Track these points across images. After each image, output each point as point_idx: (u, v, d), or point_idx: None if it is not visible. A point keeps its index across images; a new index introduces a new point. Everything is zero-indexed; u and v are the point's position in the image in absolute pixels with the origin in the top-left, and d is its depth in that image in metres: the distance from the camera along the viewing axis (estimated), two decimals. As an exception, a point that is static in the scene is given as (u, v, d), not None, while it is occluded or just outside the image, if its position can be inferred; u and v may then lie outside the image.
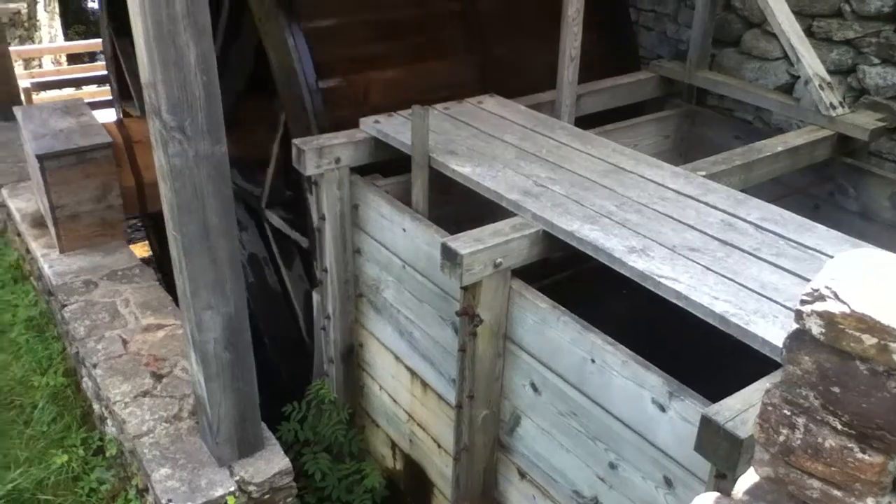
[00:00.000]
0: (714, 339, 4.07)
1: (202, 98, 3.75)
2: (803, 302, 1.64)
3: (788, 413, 1.77)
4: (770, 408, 1.81)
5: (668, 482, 3.33)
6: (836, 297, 1.59)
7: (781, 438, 1.79)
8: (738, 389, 2.90)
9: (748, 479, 1.99)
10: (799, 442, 1.76)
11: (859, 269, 1.65)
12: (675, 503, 3.32)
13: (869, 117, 5.17)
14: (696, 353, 3.67)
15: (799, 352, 1.72)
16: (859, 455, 1.65)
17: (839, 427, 1.67)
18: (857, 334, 1.57)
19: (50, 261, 6.48)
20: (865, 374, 1.61)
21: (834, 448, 1.69)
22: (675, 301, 3.30)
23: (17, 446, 5.40)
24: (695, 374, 3.32)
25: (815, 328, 1.64)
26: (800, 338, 1.71)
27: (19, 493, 4.97)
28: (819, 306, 1.61)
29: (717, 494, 1.90)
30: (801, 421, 1.75)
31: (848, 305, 1.56)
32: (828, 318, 1.60)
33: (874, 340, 1.55)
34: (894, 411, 1.55)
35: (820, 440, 1.71)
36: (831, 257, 3.55)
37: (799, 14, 5.50)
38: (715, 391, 3.05)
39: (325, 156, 4.77)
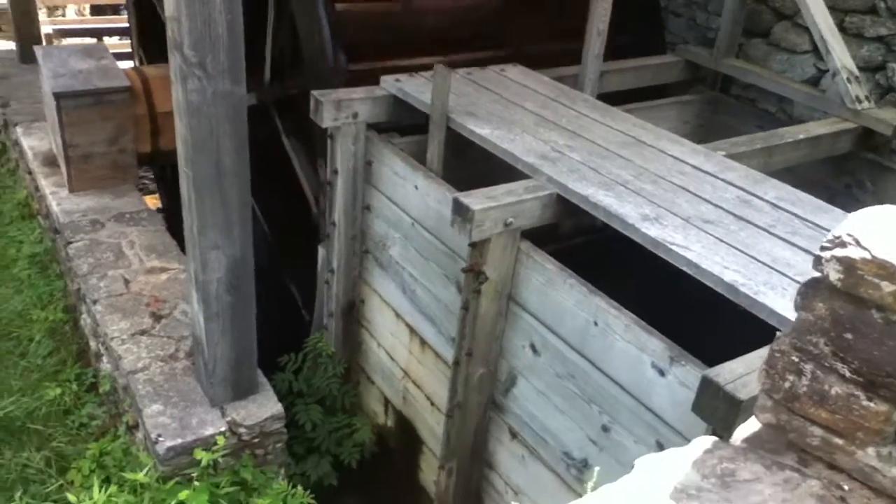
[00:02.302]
0: (716, 321, 4.06)
1: (225, 36, 3.71)
2: (823, 248, 1.61)
3: (796, 360, 1.74)
4: (778, 354, 1.78)
5: (661, 446, 3.31)
6: (858, 243, 1.57)
7: (787, 385, 1.76)
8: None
9: (747, 427, 1.96)
10: (805, 389, 1.73)
11: (881, 221, 1.63)
12: (667, 471, 3.29)
13: (895, 114, 5.10)
14: (696, 335, 3.62)
15: (814, 298, 1.69)
16: (865, 403, 1.63)
17: (847, 374, 1.64)
18: (877, 281, 1.54)
19: (59, 199, 6.46)
20: (880, 322, 1.58)
21: (840, 395, 1.66)
22: (685, 268, 3.26)
23: (12, 376, 5.40)
24: (695, 352, 3.28)
25: (833, 274, 1.61)
26: (816, 285, 1.68)
27: (10, 420, 4.98)
28: (839, 252, 1.59)
29: (715, 438, 1.87)
30: (808, 368, 1.72)
31: (869, 252, 1.54)
32: (847, 264, 1.57)
33: (892, 288, 1.53)
34: (905, 360, 1.52)
35: (826, 387, 1.68)
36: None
37: (832, 8, 5.43)
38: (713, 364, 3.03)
39: (342, 109, 4.73)
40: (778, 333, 1.81)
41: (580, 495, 3.82)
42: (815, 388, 1.70)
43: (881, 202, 5.10)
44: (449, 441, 4.43)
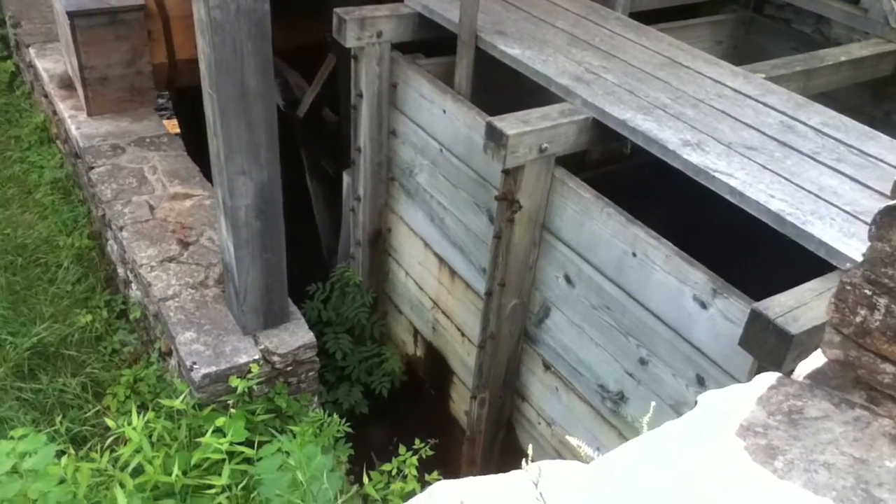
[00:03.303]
0: (755, 251, 3.98)
1: (247, -51, 3.57)
2: (904, 175, 1.52)
3: (869, 293, 1.67)
4: (849, 287, 1.70)
5: (700, 380, 3.29)
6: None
7: (858, 319, 1.70)
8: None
9: (810, 363, 1.91)
10: (877, 324, 1.66)
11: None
12: (705, 402, 3.28)
13: (941, 34, 4.90)
14: (732, 266, 3.55)
15: (890, 228, 1.61)
16: (944, 340, 1.56)
17: (925, 310, 1.57)
18: (962, 209, 1.46)
19: (77, 123, 6.37)
20: (964, 253, 1.50)
21: (917, 331, 1.60)
22: (728, 197, 3.18)
23: (43, 302, 5.42)
24: (733, 283, 3.21)
25: (914, 201, 1.52)
26: (892, 213, 1.59)
27: (45, 346, 5.02)
28: (921, 179, 1.50)
29: (779, 374, 1.83)
30: (882, 302, 1.65)
31: (956, 178, 1.45)
32: (930, 192, 1.48)
33: (979, 217, 1.44)
34: None
35: (902, 323, 1.61)
36: (894, 167, 3.43)
37: (878, -81, 5.15)
38: (756, 297, 2.97)
39: (366, 28, 4.58)
40: (848, 265, 1.75)
41: (616, 427, 3.85)
42: (890, 323, 1.64)
43: (925, 132, 4.88)
44: (481, 372, 4.44)
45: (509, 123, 3.62)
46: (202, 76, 3.90)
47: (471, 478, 1.60)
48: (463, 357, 4.89)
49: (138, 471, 3.35)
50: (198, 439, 3.63)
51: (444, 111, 4.44)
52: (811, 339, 2.57)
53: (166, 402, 3.81)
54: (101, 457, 3.32)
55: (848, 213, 3.04)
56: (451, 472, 4.78)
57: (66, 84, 6.89)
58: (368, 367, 5.30)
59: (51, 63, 7.22)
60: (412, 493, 3.74)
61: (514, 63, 4.19)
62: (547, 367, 4.23)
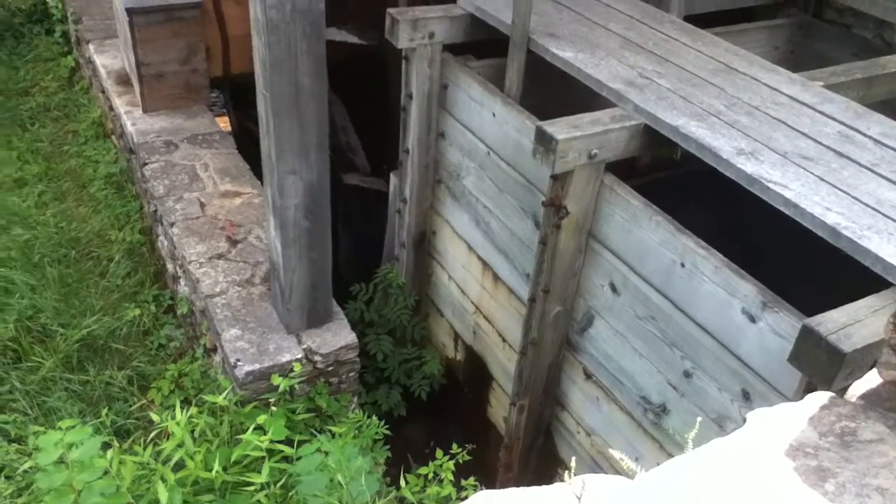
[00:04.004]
0: (804, 265, 3.87)
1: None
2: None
3: (930, 314, 1.61)
4: (908, 307, 1.64)
5: (746, 395, 3.21)
6: None
7: (917, 341, 1.64)
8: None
9: (865, 383, 1.85)
10: (938, 346, 1.60)
11: None
12: (752, 417, 3.20)
13: None
14: (786, 279, 3.46)
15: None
16: None
17: None
18: None
19: (133, 119, 6.50)
20: None
21: (979, 356, 1.53)
22: (782, 209, 3.09)
23: (93, 295, 5.54)
24: (784, 297, 3.13)
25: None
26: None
27: (94, 339, 5.12)
28: None
29: (831, 394, 1.77)
30: (943, 324, 1.59)
31: None
32: None
33: None
34: None
35: (964, 346, 1.55)
36: (957, 180, 3.30)
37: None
38: (807, 311, 2.89)
39: (419, 29, 4.58)
40: (877, 301, 1.68)
41: (657, 440, 3.78)
42: (951, 347, 1.58)
43: None
44: (521, 378, 4.39)
45: (559, 128, 3.58)
46: (256, 75, 3.94)
47: (513, 489, 1.57)
48: (503, 363, 4.85)
49: (180, 465, 3.39)
50: (239, 436, 3.66)
51: (494, 114, 4.41)
52: (864, 357, 2.49)
53: (209, 398, 3.85)
54: (145, 450, 3.36)
55: (908, 228, 2.94)
56: (488, 477, 4.75)
57: (123, 80, 7.04)
58: (408, 369, 5.30)
59: (109, 59, 7.39)
60: (448, 498, 3.73)
61: (565, 66, 4.14)
62: (588, 376, 4.17)
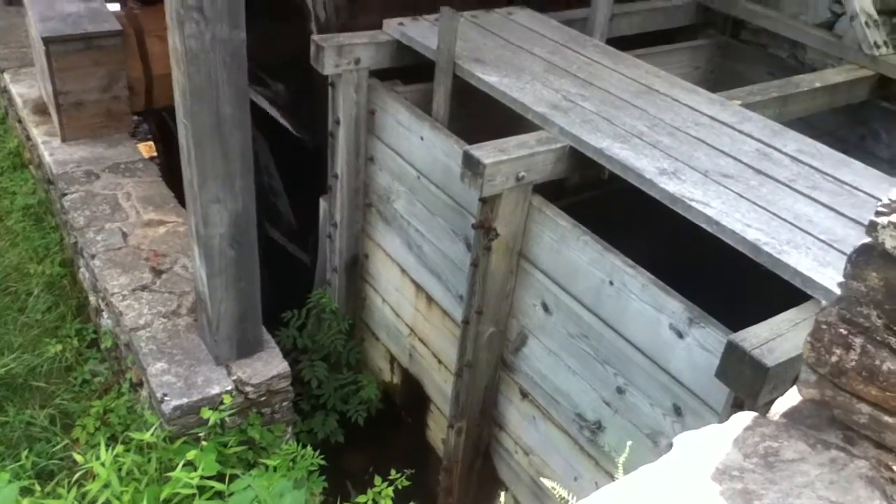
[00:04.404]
0: (728, 282, 3.97)
1: (222, -23, 3.53)
2: (878, 213, 1.50)
3: (845, 332, 1.65)
4: (824, 326, 1.68)
5: (678, 410, 3.25)
6: (918, 208, 1.45)
7: (833, 359, 1.68)
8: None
9: (786, 401, 1.88)
10: (853, 364, 1.64)
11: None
12: (682, 432, 3.25)
13: (913, 60, 4.95)
14: (710, 294, 3.54)
15: (866, 267, 1.58)
16: (920, 381, 1.54)
17: (902, 350, 1.55)
18: (939, 249, 1.44)
19: (51, 149, 6.29)
20: (941, 294, 1.48)
21: (892, 371, 1.57)
22: (704, 226, 3.16)
23: (11, 332, 5.31)
24: (710, 312, 3.19)
25: (890, 241, 1.49)
26: (868, 252, 1.57)
27: (13, 377, 4.91)
28: (896, 217, 1.48)
29: (754, 414, 1.80)
30: (858, 341, 1.63)
31: (932, 217, 1.43)
32: (905, 231, 1.46)
33: (957, 257, 1.42)
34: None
35: (877, 362, 1.59)
36: (868, 194, 3.43)
37: (850, -54, 5.22)
38: (732, 326, 2.95)
39: (344, 55, 4.56)
40: (824, 304, 1.72)
41: (593, 457, 3.81)
42: (865, 363, 1.62)
43: (897, 155, 4.92)
44: (458, 400, 4.38)
45: (486, 152, 3.59)
46: (176, 104, 3.85)
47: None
48: (440, 385, 4.83)
49: (106, 507, 3.26)
50: (168, 473, 3.55)
51: (422, 138, 4.41)
52: (787, 371, 2.55)
53: (136, 436, 3.72)
54: (69, 493, 3.23)
55: (823, 242, 3.04)
56: (428, 502, 4.71)
57: (40, 109, 6.82)
58: (344, 394, 5.23)
59: (25, 88, 7.15)
60: (387, 527, 3.68)
61: (491, 90, 4.18)
62: (524, 395, 4.18)
